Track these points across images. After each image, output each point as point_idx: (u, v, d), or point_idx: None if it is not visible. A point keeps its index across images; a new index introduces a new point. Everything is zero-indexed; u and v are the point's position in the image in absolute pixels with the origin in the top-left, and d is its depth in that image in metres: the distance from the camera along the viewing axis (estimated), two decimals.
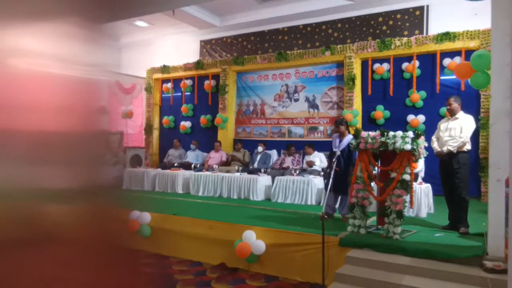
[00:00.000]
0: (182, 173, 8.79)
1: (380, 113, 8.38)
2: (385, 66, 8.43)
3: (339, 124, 5.63)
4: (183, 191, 8.64)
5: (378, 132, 4.64)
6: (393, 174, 4.49)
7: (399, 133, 4.50)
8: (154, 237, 5.93)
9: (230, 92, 10.31)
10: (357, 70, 8.62)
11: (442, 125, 5.02)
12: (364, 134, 4.73)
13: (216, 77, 10.59)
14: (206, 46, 11.62)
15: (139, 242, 5.90)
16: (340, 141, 5.59)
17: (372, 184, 4.84)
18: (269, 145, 9.42)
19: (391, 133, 4.53)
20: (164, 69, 11.39)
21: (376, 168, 4.85)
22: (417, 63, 8.09)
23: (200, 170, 8.86)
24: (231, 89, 10.36)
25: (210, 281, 4.70)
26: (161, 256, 5.69)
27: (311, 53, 9.17)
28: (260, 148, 8.98)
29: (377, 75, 8.53)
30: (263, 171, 8.30)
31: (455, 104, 4.90)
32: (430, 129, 6.99)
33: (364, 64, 8.73)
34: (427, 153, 4.72)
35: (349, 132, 5.66)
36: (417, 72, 8.09)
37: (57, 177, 0.79)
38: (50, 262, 0.77)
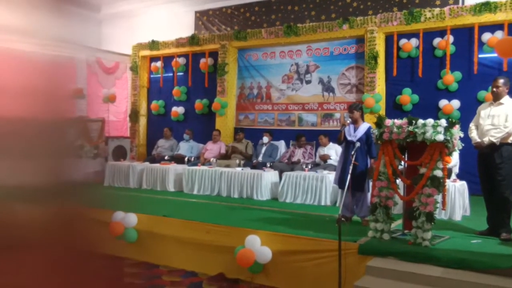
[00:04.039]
0: (173, 168, 8.80)
1: (407, 97, 8.33)
2: (413, 42, 8.36)
3: (354, 109, 5.74)
4: (175, 188, 8.66)
5: (404, 120, 4.60)
6: (423, 170, 4.47)
7: (430, 121, 4.46)
8: (141, 242, 5.94)
9: (230, 72, 10.27)
10: (380, 47, 8.56)
11: (483, 111, 4.98)
12: (388, 122, 4.69)
13: (214, 54, 10.54)
14: (202, 17, 11.55)
15: (122, 248, 5.93)
16: (355, 129, 5.65)
17: (398, 181, 4.81)
18: (276, 135, 9.41)
19: (420, 121, 4.49)
20: (153, 45, 11.34)
21: (402, 163, 4.83)
22: (451, 38, 8.02)
23: (195, 164, 8.86)
24: (232, 69, 10.32)
25: None
26: (149, 265, 5.71)
27: (326, 26, 9.09)
28: (265, 139, 8.97)
29: (403, 53, 8.46)
30: (269, 165, 8.29)
31: (503, 87, 4.84)
32: (466, 116, 6.93)
33: (389, 39, 8.66)
34: (463, 145, 4.69)
35: (363, 120, 5.80)
36: (451, 49, 8.02)
37: (17, 172, 0.78)
38: (7, 273, 0.76)
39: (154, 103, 11.40)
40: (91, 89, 11.36)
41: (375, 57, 8.47)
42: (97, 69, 11.69)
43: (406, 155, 4.82)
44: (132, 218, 5.98)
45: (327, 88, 9.34)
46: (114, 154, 10.74)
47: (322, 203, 7.07)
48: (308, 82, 9.56)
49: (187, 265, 5.56)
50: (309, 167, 7.80)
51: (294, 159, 8.41)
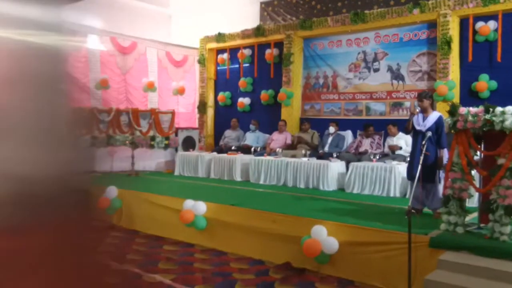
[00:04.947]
0: (240, 158, 8.96)
1: (484, 83, 7.89)
2: (492, 24, 7.88)
3: (423, 97, 5.68)
4: (241, 178, 8.82)
5: (481, 108, 4.41)
6: (501, 160, 4.26)
7: (510, 108, 4.24)
8: (210, 230, 6.13)
9: (295, 62, 10.23)
10: (454, 31, 8.16)
11: None
12: (463, 110, 4.51)
13: (279, 45, 10.55)
14: (267, 8, 11.58)
15: (193, 235, 6.14)
16: (424, 119, 5.57)
17: (473, 172, 4.64)
18: (342, 124, 9.29)
19: (499, 109, 4.29)
20: (219, 37, 11.54)
21: (478, 153, 4.64)
22: None
23: (261, 155, 8.96)
24: (297, 59, 10.27)
25: (274, 282, 4.78)
26: (218, 252, 5.88)
27: (395, 11, 8.81)
28: (332, 129, 8.89)
29: (480, 37, 8.00)
30: (335, 155, 8.23)
31: None
32: None
33: (464, 23, 8.23)
34: None
35: (433, 109, 5.72)
36: None
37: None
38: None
39: (221, 95, 11.63)
40: (162, 82, 11.82)
41: (448, 42, 8.09)
42: (167, 63, 12.12)
43: (482, 145, 4.62)
44: (201, 206, 6.17)
45: (397, 76, 9.06)
46: (184, 144, 11.13)
47: (391, 195, 6.94)
48: (376, 70, 9.32)
49: (254, 253, 5.66)
50: (377, 157, 7.65)
51: (362, 149, 8.27)
